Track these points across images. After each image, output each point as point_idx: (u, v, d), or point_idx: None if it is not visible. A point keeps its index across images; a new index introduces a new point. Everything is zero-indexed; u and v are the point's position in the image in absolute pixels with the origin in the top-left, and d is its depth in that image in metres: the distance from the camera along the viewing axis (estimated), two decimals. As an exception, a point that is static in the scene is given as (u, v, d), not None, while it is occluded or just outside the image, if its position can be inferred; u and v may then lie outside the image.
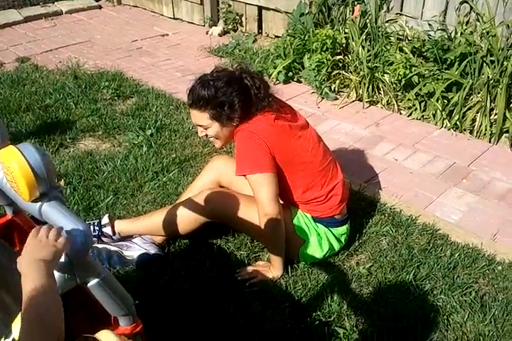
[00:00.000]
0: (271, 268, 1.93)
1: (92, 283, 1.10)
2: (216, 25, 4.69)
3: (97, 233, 2.02)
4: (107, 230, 2.03)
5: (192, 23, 4.87)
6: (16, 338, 1.00)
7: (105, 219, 2.05)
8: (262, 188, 1.80)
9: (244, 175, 1.83)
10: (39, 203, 1.11)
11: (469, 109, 3.04)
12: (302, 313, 1.79)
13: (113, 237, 2.03)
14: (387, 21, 3.55)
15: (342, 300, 1.84)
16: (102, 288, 1.12)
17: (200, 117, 1.84)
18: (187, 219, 1.96)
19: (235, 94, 1.79)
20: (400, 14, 3.55)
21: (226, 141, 1.93)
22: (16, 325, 1.03)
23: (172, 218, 1.97)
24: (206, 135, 1.90)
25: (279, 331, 1.71)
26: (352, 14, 3.64)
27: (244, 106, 1.80)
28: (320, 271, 1.97)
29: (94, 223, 2.05)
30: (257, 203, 1.83)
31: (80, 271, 1.05)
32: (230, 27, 4.62)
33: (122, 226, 2.05)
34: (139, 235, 2.06)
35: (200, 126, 1.88)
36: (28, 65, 3.79)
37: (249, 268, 1.96)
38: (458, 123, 3.03)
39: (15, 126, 2.92)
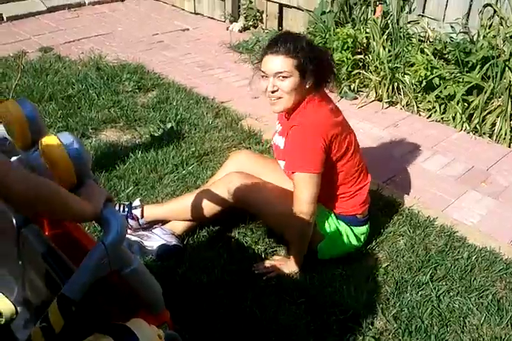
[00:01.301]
0: (288, 263, 1.95)
1: (125, 271, 1.11)
2: (237, 21, 4.70)
3: (126, 213, 2.06)
4: (137, 212, 2.06)
5: (212, 18, 4.89)
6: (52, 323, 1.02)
7: (137, 202, 2.10)
8: (306, 187, 1.80)
9: (293, 172, 1.82)
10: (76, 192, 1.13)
11: (489, 112, 3.03)
12: (318, 309, 1.80)
13: (140, 220, 2.07)
14: (408, 22, 3.55)
15: (358, 298, 1.86)
16: (133, 277, 1.13)
17: (285, 63, 1.74)
18: (213, 202, 1.97)
19: (321, 55, 1.82)
20: (422, 16, 3.54)
21: (291, 103, 1.81)
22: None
23: (198, 201, 1.99)
24: (275, 91, 1.78)
25: (295, 325, 1.73)
26: (374, 14, 3.64)
27: (323, 71, 1.80)
28: (337, 267, 1.99)
29: (124, 204, 2.09)
30: (296, 200, 1.82)
31: (114, 259, 1.06)
32: (250, 23, 4.63)
33: (150, 210, 2.08)
34: (160, 225, 2.09)
35: (280, 74, 1.75)
36: (51, 55, 3.84)
37: (267, 263, 1.98)
38: (478, 126, 3.02)
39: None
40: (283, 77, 1.76)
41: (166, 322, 1.22)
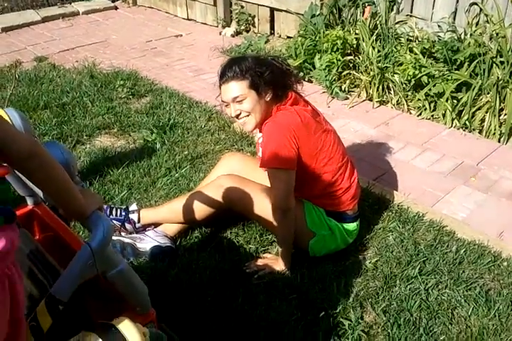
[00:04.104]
0: (279, 260, 1.99)
1: (111, 273, 1.14)
2: (229, 26, 4.76)
3: (122, 218, 2.10)
4: (134, 216, 2.11)
5: (205, 23, 4.96)
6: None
7: (134, 206, 2.14)
8: (280, 183, 1.85)
9: (266, 169, 1.88)
10: None
11: (479, 109, 3.07)
12: (308, 305, 1.83)
13: (136, 224, 2.11)
14: (397, 23, 3.60)
15: (348, 293, 1.89)
16: (120, 278, 1.17)
17: (238, 87, 1.84)
18: (205, 205, 2.02)
19: (269, 65, 1.89)
20: (410, 16, 3.58)
21: (259, 119, 1.89)
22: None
23: (190, 204, 2.04)
24: (239, 114, 1.89)
25: (285, 321, 1.76)
26: (362, 15, 3.69)
27: (277, 79, 1.87)
28: (327, 264, 2.02)
29: (122, 208, 2.13)
30: (272, 197, 1.88)
31: (100, 261, 1.10)
32: (242, 28, 4.69)
33: (145, 213, 2.13)
34: (153, 227, 2.13)
35: (236, 99, 1.85)
36: (46, 64, 3.90)
37: (258, 261, 2.01)
38: (467, 123, 3.06)
39: (33, 123, 3.00)
40: (240, 100, 1.86)
41: (151, 321, 1.26)
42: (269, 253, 2.10)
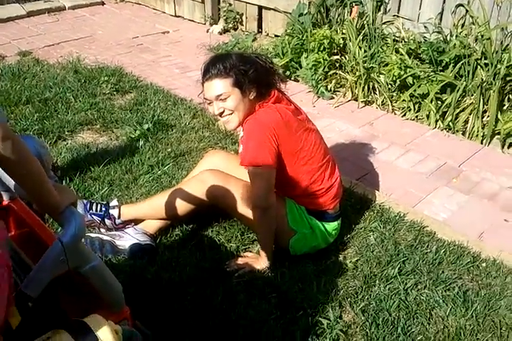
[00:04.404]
0: (259, 259, 1.98)
1: (84, 269, 1.13)
2: (217, 24, 4.74)
3: (102, 213, 2.08)
4: (114, 212, 2.09)
5: (193, 21, 4.93)
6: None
7: (114, 202, 2.13)
8: (259, 181, 1.84)
9: (246, 166, 1.87)
10: None
11: (462, 110, 3.08)
12: (288, 303, 1.83)
13: (116, 220, 2.09)
14: (384, 23, 3.60)
15: (328, 292, 1.89)
16: (93, 275, 1.15)
17: (221, 85, 1.82)
18: (187, 200, 2.01)
19: (254, 63, 1.87)
20: (397, 16, 3.59)
21: (242, 117, 1.87)
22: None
23: (172, 199, 2.03)
24: (222, 112, 1.87)
25: (264, 320, 1.75)
26: (350, 15, 3.69)
27: (261, 78, 1.85)
28: (308, 263, 2.02)
29: (102, 204, 2.11)
30: (251, 194, 1.88)
31: (72, 257, 1.08)
32: (230, 26, 4.67)
33: (126, 209, 2.11)
34: (133, 225, 2.11)
35: (219, 96, 1.83)
36: (30, 59, 3.84)
37: (239, 260, 2.00)
38: (451, 124, 3.08)
39: (14, 118, 2.97)
40: (224, 98, 1.84)
41: (125, 318, 1.24)
42: (250, 251, 2.09)
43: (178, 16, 5.05)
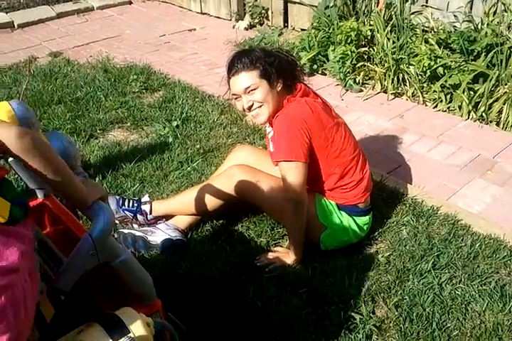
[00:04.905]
0: (290, 254, 1.97)
1: (114, 263, 1.15)
2: (242, 20, 4.73)
3: (135, 209, 2.11)
4: (146, 208, 2.12)
5: (219, 17, 4.93)
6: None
7: (146, 198, 2.16)
8: (292, 176, 1.83)
9: (279, 161, 1.86)
10: None
11: (496, 100, 2.99)
12: (319, 298, 1.82)
13: (148, 216, 2.12)
14: (412, 13, 3.53)
15: (359, 287, 1.87)
16: (123, 268, 1.17)
17: (249, 77, 1.82)
18: (216, 195, 2.01)
19: (276, 56, 1.87)
20: (426, 6, 3.51)
21: (271, 110, 1.86)
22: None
23: (201, 195, 2.04)
24: (251, 106, 1.86)
25: (296, 315, 1.75)
26: (377, 6, 3.63)
27: (286, 69, 1.86)
28: (339, 257, 2.00)
29: (134, 200, 2.15)
30: (284, 189, 1.86)
31: (102, 250, 1.10)
32: (256, 21, 4.66)
33: (157, 205, 2.14)
34: (164, 220, 2.13)
35: (248, 89, 1.82)
36: (60, 60, 3.92)
37: (269, 255, 2.00)
38: (484, 114, 2.99)
39: (47, 118, 3.04)
40: (252, 90, 1.83)
41: (157, 311, 1.26)
42: (281, 246, 2.09)
43: (204, 13, 5.07)
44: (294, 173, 1.83)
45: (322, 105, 1.92)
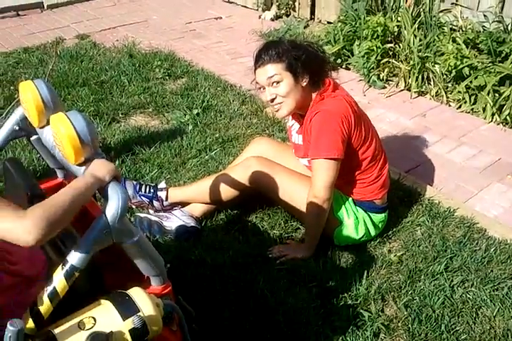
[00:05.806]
0: (302, 247, 1.98)
1: (127, 243, 1.16)
2: (269, 10, 4.70)
3: (151, 195, 2.14)
4: (162, 194, 2.14)
5: (245, 6, 4.91)
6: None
7: (162, 184, 2.18)
8: (326, 173, 1.83)
9: (314, 158, 1.85)
10: (83, 167, 1.18)
11: (522, 104, 2.94)
12: (329, 294, 1.83)
13: (164, 202, 2.14)
14: (441, 11, 3.47)
15: (370, 285, 1.87)
16: (136, 249, 1.18)
17: (273, 69, 1.81)
18: (232, 185, 2.03)
19: (305, 50, 1.86)
20: (456, 4, 3.45)
21: (294, 105, 1.86)
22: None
23: (217, 184, 2.05)
24: (274, 99, 1.86)
25: (304, 308, 1.76)
26: (405, 2, 3.58)
27: (314, 65, 1.84)
28: (351, 254, 2.00)
29: (151, 186, 2.17)
30: (313, 185, 1.86)
31: (116, 230, 1.11)
32: (282, 12, 4.63)
33: (173, 192, 2.16)
34: (180, 207, 2.15)
35: (271, 78, 1.81)
36: (87, 42, 3.96)
37: (281, 247, 2.01)
38: (508, 118, 2.94)
39: (71, 99, 3.07)
40: (276, 82, 1.82)
41: (167, 293, 1.28)
42: (293, 239, 2.10)
43: (231, 2, 5.04)
44: (329, 171, 1.83)
45: (354, 100, 1.91)
